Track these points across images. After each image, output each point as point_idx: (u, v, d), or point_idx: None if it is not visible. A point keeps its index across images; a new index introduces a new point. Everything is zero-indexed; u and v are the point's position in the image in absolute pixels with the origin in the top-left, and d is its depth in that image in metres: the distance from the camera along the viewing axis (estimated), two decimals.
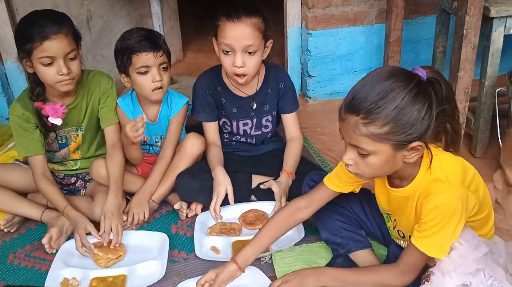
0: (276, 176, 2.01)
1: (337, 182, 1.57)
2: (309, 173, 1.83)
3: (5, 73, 2.55)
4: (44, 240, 1.84)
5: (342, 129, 1.31)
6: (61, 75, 1.79)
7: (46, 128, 1.93)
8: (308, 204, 1.63)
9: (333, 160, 2.38)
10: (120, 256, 1.79)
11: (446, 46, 2.53)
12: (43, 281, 1.71)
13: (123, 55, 1.93)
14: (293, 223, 1.67)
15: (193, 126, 2.20)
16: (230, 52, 1.89)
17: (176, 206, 2.00)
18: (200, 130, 2.12)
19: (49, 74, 1.79)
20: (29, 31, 1.75)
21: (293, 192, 1.91)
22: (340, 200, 1.67)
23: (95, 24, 2.84)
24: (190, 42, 3.83)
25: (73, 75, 1.83)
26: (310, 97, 2.93)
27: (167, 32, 3.06)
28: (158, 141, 2.14)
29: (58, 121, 1.90)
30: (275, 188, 1.93)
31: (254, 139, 2.17)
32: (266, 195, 1.99)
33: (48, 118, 1.89)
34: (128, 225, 1.92)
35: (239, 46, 1.86)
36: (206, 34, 3.73)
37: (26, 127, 1.91)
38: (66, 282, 1.69)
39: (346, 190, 1.59)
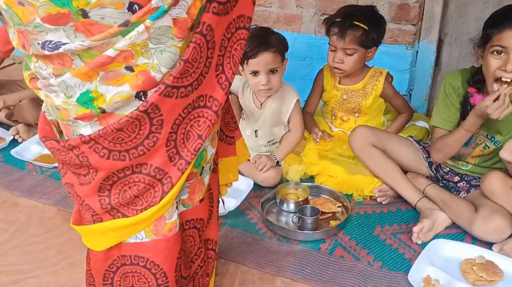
0: None
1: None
2: None
3: (417, 52, 2.57)
4: (415, 229, 1.82)
5: None
6: None
7: (461, 114, 1.84)
8: None
9: None
10: (493, 281, 1.61)
11: None
12: (405, 268, 1.72)
13: None
14: None
15: None
16: None
17: None
18: None
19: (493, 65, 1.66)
20: (500, 19, 1.64)
21: None
22: None
23: None
24: None
25: None
26: None
27: None
28: None
29: None
30: None
31: None
32: None
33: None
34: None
35: None
36: None
37: (452, 100, 1.85)
38: (428, 280, 1.62)
39: None
